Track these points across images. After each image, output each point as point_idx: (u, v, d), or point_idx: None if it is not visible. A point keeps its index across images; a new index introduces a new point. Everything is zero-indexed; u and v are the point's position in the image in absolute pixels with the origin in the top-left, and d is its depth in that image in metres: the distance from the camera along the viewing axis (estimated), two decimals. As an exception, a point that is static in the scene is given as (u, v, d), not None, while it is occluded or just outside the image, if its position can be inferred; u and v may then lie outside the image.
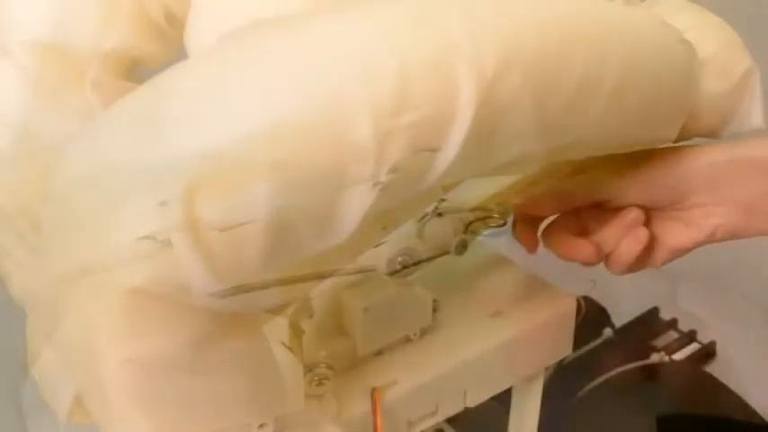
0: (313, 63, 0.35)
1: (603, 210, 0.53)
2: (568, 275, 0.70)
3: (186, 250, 0.32)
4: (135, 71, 0.50)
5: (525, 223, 0.55)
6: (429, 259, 0.61)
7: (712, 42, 0.52)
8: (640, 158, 0.51)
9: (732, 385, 1.02)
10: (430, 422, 0.60)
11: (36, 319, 0.54)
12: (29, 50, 0.47)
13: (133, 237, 0.32)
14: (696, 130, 0.53)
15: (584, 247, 0.52)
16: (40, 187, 0.48)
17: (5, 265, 0.51)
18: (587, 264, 0.53)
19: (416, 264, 0.60)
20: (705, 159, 0.50)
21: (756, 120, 0.53)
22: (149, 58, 0.49)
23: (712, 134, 0.54)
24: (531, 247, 0.55)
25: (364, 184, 0.35)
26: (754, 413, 0.99)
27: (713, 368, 1.10)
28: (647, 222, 0.52)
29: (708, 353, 1.15)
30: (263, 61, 0.35)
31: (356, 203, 0.35)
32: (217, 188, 0.32)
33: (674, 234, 0.52)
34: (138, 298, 0.33)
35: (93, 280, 0.33)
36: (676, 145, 0.52)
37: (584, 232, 0.54)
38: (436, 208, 0.58)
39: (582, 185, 0.52)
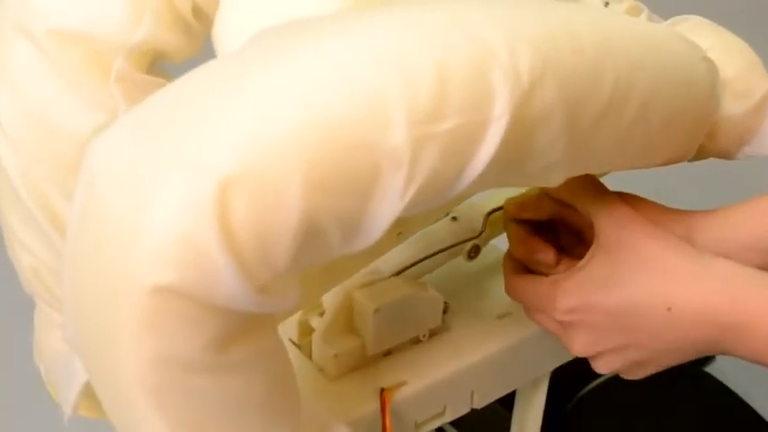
0: (351, 64, 0.34)
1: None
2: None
3: (217, 249, 0.32)
4: (157, 66, 0.50)
5: (521, 231, 0.56)
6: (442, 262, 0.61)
7: (733, 64, 0.52)
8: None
9: (732, 386, 1.02)
10: (437, 423, 0.60)
11: (45, 312, 0.55)
12: (54, 37, 0.46)
13: (162, 235, 0.32)
14: (711, 151, 0.53)
15: (544, 249, 0.53)
16: (58, 179, 0.48)
17: (19, 255, 0.51)
18: (544, 264, 0.54)
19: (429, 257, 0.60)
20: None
21: None
22: (175, 52, 0.48)
23: (727, 155, 0.55)
24: (547, 259, 0.55)
25: (396, 189, 0.35)
26: (755, 414, 0.99)
27: (712, 370, 1.11)
28: None
29: (707, 355, 1.15)
30: (301, 60, 0.34)
31: (386, 208, 0.35)
32: (250, 187, 0.32)
33: None
34: (165, 297, 0.33)
35: (121, 277, 0.33)
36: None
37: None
38: (449, 212, 0.58)
39: (573, 199, 0.52)
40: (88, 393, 0.52)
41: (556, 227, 0.56)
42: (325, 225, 0.34)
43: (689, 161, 0.53)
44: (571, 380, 1.02)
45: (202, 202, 0.31)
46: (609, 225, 0.49)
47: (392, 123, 0.34)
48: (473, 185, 0.37)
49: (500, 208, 0.59)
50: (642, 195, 0.52)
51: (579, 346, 0.50)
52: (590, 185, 0.51)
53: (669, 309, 0.45)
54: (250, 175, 0.32)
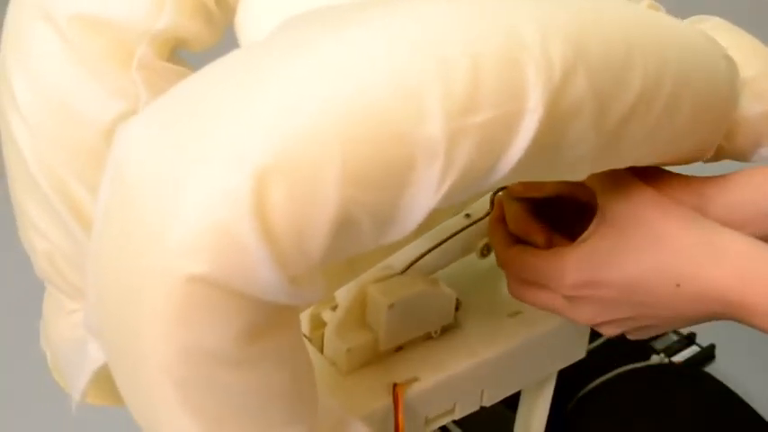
0: (386, 53, 0.34)
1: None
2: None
3: (254, 238, 0.31)
4: (177, 54, 0.49)
5: (523, 210, 0.54)
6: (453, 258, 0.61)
7: (752, 65, 0.52)
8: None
9: (732, 386, 1.03)
10: (447, 419, 0.60)
11: (56, 298, 0.54)
12: (76, 22, 0.46)
13: (197, 224, 0.31)
14: (728, 152, 0.53)
15: (538, 232, 0.52)
16: (76, 165, 0.47)
17: (33, 240, 0.51)
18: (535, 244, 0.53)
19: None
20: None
21: None
22: (196, 40, 0.48)
23: (742, 157, 0.54)
24: (539, 240, 0.53)
25: (431, 182, 0.34)
26: (755, 414, 1.00)
27: (712, 371, 1.11)
28: None
29: (707, 355, 1.16)
30: (338, 47, 0.34)
31: (421, 200, 0.35)
32: (287, 177, 0.32)
33: None
34: (198, 286, 0.32)
35: (153, 268, 0.33)
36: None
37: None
38: (480, 219, 0.58)
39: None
40: (98, 381, 0.52)
41: (558, 202, 0.55)
42: (359, 216, 0.34)
43: (705, 162, 0.53)
44: (571, 380, 1.02)
45: (239, 191, 0.31)
46: (616, 198, 0.48)
47: (428, 114, 0.33)
48: (505, 178, 0.37)
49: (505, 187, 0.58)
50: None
51: (585, 318, 0.50)
52: None
53: (678, 285, 0.45)
54: (287, 166, 0.32)
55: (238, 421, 0.37)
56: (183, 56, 0.50)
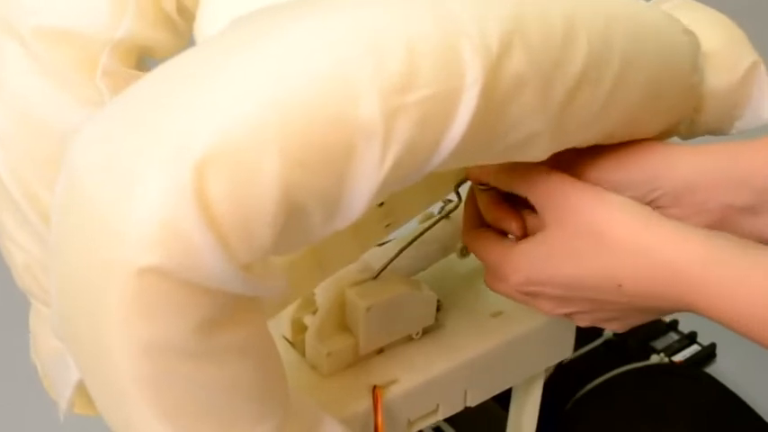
0: (319, 42, 0.35)
1: None
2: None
3: (198, 229, 0.32)
4: (144, 61, 0.50)
5: (488, 199, 0.53)
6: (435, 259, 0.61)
7: (715, 36, 0.52)
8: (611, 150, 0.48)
9: (732, 388, 1.02)
10: (430, 421, 0.60)
11: (39, 309, 0.55)
12: (40, 35, 0.47)
13: (146, 219, 0.32)
14: (703, 126, 0.53)
15: (508, 219, 0.51)
16: (47, 175, 0.48)
17: (12, 253, 0.51)
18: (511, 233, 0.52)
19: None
20: (682, 166, 0.47)
21: (767, 114, 0.53)
22: (160, 48, 0.49)
23: (720, 131, 0.54)
24: (508, 227, 0.52)
25: (372, 162, 0.35)
26: (755, 415, 0.99)
27: (713, 371, 1.11)
28: None
29: (708, 355, 1.15)
30: (271, 41, 0.35)
31: (365, 182, 0.35)
32: (225, 166, 0.33)
33: None
34: (152, 279, 0.33)
35: (107, 263, 0.33)
36: (661, 142, 0.49)
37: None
38: (442, 209, 0.58)
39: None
40: (82, 391, 0.53)
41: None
42: (305, 202, 0.34)
43: (683, 138, 0.53)
44: (571, 380, 1.02)
45: (182, 182, 0.32)
46: (544, 199, 0.47)
47: (363, 96, 0.34)
48: (453, 157, 0.37)
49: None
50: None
51: (546, 310, 0.50)
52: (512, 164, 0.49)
53: (620, 285, 0.45)
54: (226, 155, 0.33)
55: (205, 418, 0.38)
56: (154, 63, 0.51)
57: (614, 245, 0.45)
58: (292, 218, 0.34)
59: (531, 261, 0.48)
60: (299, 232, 0.36)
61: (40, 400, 0.61)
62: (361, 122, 0.34)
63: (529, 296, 0.49)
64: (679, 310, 0.45)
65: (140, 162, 0.33)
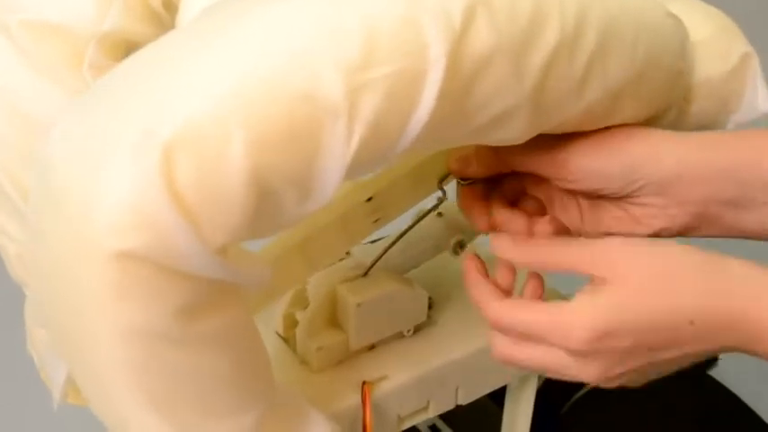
0: (279, 25, 0.35)
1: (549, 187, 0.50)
2: (566, 276, 0.70)
3: (168, 212, 0.33)
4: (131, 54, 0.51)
5: (470, 194, 0.52)
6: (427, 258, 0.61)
7: (706, 26, 0.51)
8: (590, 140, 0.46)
9: (735, 391, 1.02)
10: (421, 418, 0.60)
11: (33, 300, 0.55)
12: (25, 28, 0.48)
13: (117, 204, 0.33)
14: (695, 119, 0.52)
15: (478, 214, 0.50)
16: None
17: (4, 243, 0.52)
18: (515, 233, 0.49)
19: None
20: (667, 157, 0.45)
21: (763, 104, 0.52)
22: (146, 42, 0.49)
23: (714, 124, 0.53)
24: (479, 223, 0.51)
25: (339, 140, 0.35)
26: (757, 417, 0.98)
27: (716, 374, 1.10)
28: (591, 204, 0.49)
29: (709, 357, 1.15)
30: (232, 27, 0.36)
31: (334, 161, 0.36)
32: (191, 148, 0.33)
33: (617, 223, 0.48)
34: (128, 263, 0.33)
35: (83, 248, 0.34)
36: (647, 128, 0.48)
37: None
38: (436, 207, 0.58)
39: (511, 150, 0.47)
40: (73, 381, 0.53)
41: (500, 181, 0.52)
42: (275, 183, 0.35)
43: (675, 129, 0.52)
44: (565, 384, 1.02)
45: (150, 167, 0.33)
46: (603, 249, 0.45)
47: (323, 74, 0.35)
48: (424, 136, 0.37)
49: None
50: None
51: (594, 374, 0.45)
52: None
53: (692, 322, 0.42)
54: (193, 138, 0.33)
55: (186, 404, 0.38)
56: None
57: (684, 284, 0.43)
58: (263, 200, 0.35)
59: (605, 312, 0.43)
60: (273, 214, 0.36)
61: (39, 394, 0.62)
62: (325, 101, 0.35)
63: (584, 356, 0.44)
64: (733, 350, 0.43)
65: (109, 147, 0.33)
